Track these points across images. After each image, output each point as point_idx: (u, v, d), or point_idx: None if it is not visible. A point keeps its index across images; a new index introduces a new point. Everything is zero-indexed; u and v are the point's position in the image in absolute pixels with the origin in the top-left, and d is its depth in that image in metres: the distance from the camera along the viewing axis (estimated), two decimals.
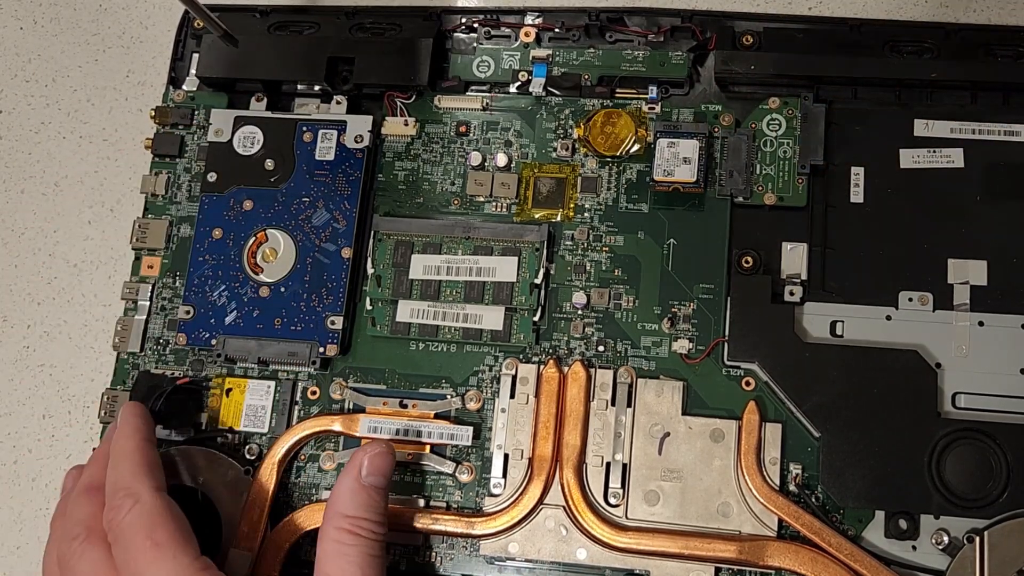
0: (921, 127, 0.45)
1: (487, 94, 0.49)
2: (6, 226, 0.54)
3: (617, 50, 0.48)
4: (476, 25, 0.49)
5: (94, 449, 0.45)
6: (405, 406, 0.45)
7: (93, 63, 0.56)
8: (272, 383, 0.46)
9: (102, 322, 0.51)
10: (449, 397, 0.45)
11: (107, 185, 0.54)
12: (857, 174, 0.45)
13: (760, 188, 0.45)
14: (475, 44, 0.49)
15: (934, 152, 0.45)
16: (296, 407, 0.46)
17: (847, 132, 0.46)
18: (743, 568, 0.41)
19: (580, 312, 0.45)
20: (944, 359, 0.42)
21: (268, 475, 0.44)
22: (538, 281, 0.45)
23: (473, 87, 0.49)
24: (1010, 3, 0.49)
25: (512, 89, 0.48)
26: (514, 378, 0.44)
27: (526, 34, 0.48)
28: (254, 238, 0.47)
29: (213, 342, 0.46)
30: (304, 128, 0.48)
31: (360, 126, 0.48)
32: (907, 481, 0.41)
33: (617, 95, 0.48)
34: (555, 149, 0.47)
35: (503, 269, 0.45)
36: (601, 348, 0.45)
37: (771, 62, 0.46)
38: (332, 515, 0.39)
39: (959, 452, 0.41)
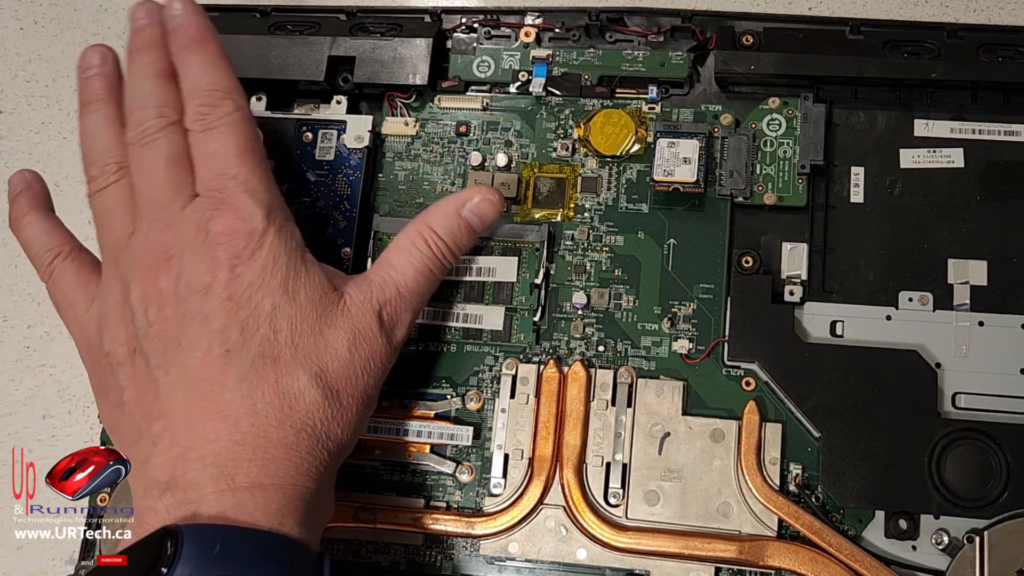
0: (921, 127, 0.45)
1: (487, 94, 0.49)
2: (6, 226, 0.54)
3: (617, 50, 0.48)
4: (476, 25, 0.49)
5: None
6: (405, 406, 0.45)
7: None
8: None
9: None
10: (449, 397, 0.45)
11: None
12: (857, 174, 0.45)
13: (760, 188, 0.45)
14: (475, 44, 0.49)
15: (934, 152, 0.45)
16: None
17: (847, 132, 0.46)
18: (743, 568, 0.41)
19: (580, 312, 0.45)
20: (944, 359, 0.42)
21: None
22: (538, 281, 0.45)
23: (473, 87, 0.49)
24: (1010, 3, 0.50)
25: (512, 89, 0.48)
26: (514, 378, 0.44)
27: (526, 34, 0.48)
28: None
29: None
30: (304, 128, 0.48)
31: (360, 126, 0.48)
32: (907, 481, 0.41)
33: (617, 95, 0.48)
34: (555, 149, 0.47)
35: (503, 269, 0.45)
36: (601, 348, 0.45)
37: (771, 62, 0.46)
38: (421, 221, 0.42)
39: (959, 452, 0.41)
